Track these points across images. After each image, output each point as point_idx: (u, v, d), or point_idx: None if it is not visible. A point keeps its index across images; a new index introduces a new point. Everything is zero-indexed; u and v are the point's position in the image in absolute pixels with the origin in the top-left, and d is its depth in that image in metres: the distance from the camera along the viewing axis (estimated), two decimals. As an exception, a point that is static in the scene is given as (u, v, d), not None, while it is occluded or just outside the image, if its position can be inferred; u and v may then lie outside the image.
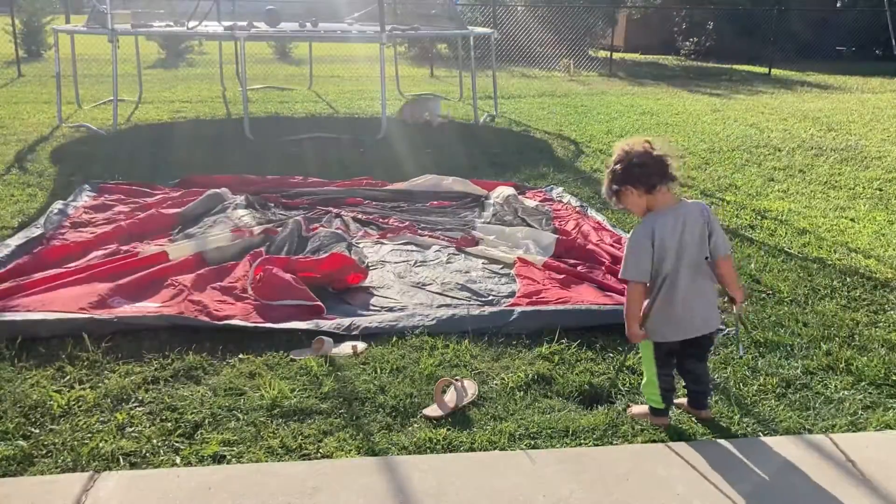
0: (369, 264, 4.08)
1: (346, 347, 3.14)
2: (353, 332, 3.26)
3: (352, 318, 3.38)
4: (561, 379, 2.95)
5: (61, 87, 8.40)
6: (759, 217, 5.20)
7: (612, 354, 3.15)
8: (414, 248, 4.43)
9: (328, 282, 3.76)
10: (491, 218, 5.01)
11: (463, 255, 4.30)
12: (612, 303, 3.54)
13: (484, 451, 2.52)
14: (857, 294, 3.89)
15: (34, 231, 4.38)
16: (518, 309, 3.45)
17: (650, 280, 2.55)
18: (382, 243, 4.49)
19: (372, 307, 3.60)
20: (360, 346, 3.17)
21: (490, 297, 3.71)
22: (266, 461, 2.44)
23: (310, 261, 3.87)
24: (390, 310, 3.56)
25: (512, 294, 3.73)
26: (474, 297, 3.71)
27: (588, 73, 15.56)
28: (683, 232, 2.50)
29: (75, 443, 2.50)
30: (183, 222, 4.68)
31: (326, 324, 3.32)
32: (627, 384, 2.93)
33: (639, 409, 2.73)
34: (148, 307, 3.43)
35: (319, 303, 3.50)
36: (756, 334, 3.36)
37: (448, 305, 3.60)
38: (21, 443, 2.50)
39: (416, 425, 2.64)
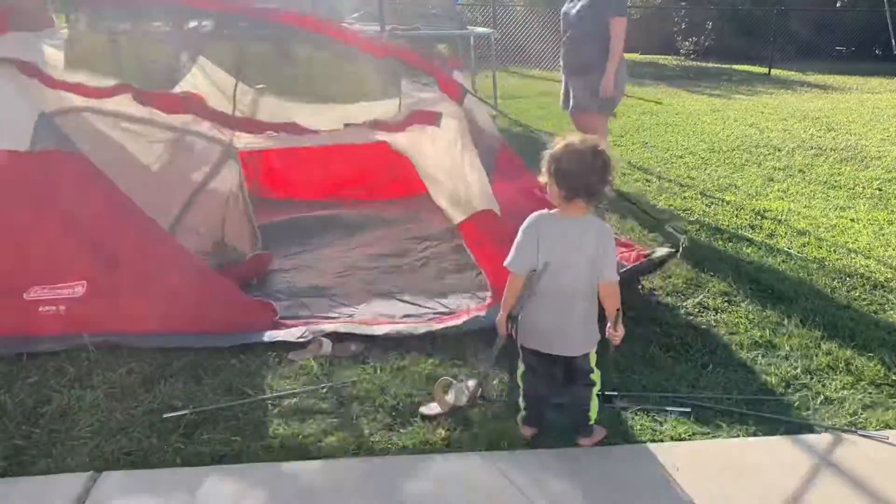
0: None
1: (344, 347, 3.15)
2: (308, 337, 3.18)
3: (308, 327, 3.28)
4: (561, 379, 2.94)
5: (61, 87, 8.40)
6: (758, 217, 5.20)
7: (613, 354, 3.14)
8: (389, 253, 4.33)
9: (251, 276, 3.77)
10: None
11: (436, 259, 4.14)
12: None
13: (484, 450, 2.52)
14: (857, 294, 3.89)
15: None
16: (463, 319, 3.33)
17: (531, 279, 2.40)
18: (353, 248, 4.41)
19: (331, 315, 3.51)
20: (353, 346, 3.18)
21: (455, 309, 3.57)
22: (266, 461, 2.44)
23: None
24: (350, 316, 3.50)
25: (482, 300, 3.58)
26: (440, 308, 3.59)
27: (588, 73, 15.50)
28: (575, 246, 2.36)
29: (75, 443, 2.50)
30: None
31: (279, 334, 3.21)
32: (628, 384, 2.93)
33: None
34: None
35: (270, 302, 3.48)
36: (753, 333, 3.37)
37: (411, 315, 3.50)
38: (21, 443, 2.50)
39: (416, 425, 2.64)
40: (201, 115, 3.60)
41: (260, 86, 4.41)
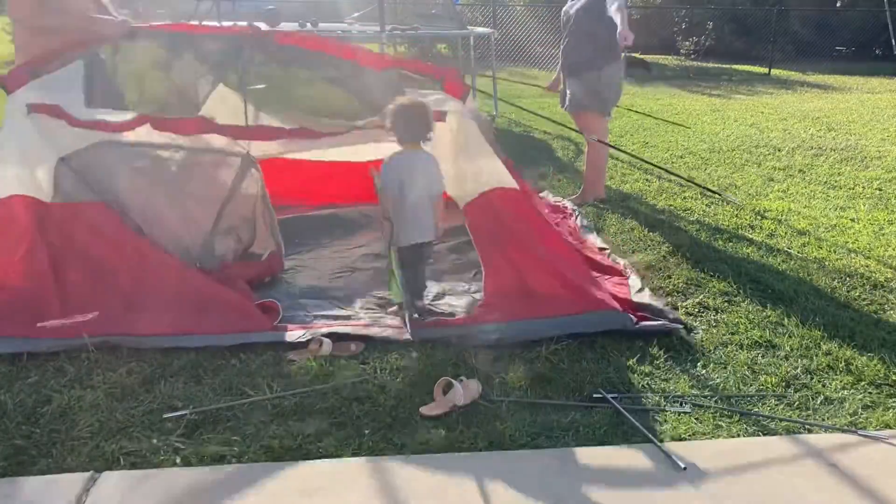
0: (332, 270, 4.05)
1: (344, 347, 3.15)
2: (308, 337, 3.20)
3: (307, 329, 3.30)
4: (561, 379, 2.95)
5: (61, 87, 8.40)
6: (758, 217, 5.20)
7: (613, 354, 3.15)
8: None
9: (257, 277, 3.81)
10: None
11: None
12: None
13: (484, 450, 2.52)
14: (857, 294, 3.89)
15: None
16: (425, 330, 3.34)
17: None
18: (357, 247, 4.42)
19: (329, 316, 3.52)
20: (353, 346, 3.17)
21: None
22: (266, 461, 2.44)
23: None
24: (347, 318, 3.49)
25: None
26: (438, 308, 3.60)
27: (588, 73, 15.48)
28: (418, 168, 3.38)
29: (75, 443, 2.50)
30: None
31: (279, 334, 3.24)
32: (627, 384, 2.93)
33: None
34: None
35: (273, 301, 3.50)
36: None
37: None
38: (21, 443, 2.50)
39: (416, 425, 2.64)
40: (217, 132, 3.78)
41: (260, 86, 4.40)
